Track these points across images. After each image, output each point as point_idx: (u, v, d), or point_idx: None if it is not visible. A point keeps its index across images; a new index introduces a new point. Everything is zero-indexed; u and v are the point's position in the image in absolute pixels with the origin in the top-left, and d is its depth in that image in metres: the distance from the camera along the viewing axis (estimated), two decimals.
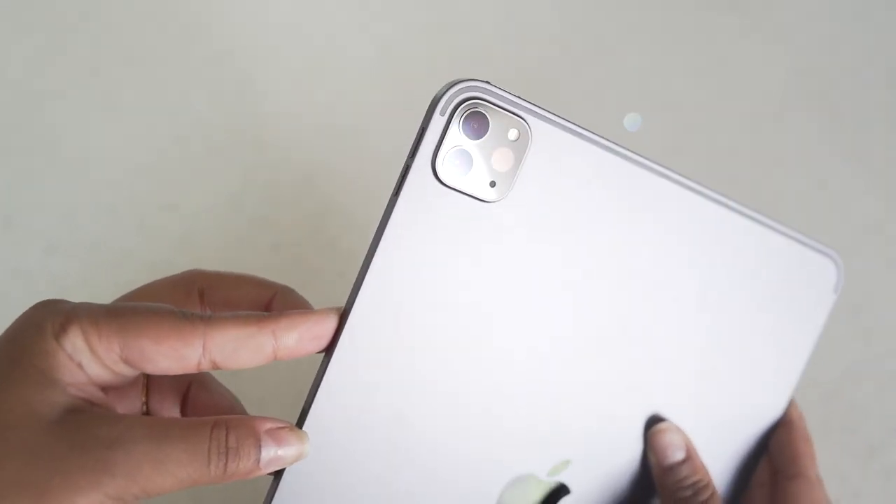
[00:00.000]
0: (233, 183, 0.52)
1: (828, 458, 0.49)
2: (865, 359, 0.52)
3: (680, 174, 0.30)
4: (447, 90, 0.25)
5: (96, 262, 0.49)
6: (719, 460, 0.35)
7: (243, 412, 0.30)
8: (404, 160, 0.26)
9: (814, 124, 0.61)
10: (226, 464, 0.23)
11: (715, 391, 0.34)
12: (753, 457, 0.37)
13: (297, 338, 0.25)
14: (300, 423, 0.26)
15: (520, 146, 0.27)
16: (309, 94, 0.56)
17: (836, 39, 0.65)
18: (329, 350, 0.26)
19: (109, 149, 0.52)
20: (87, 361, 0.24)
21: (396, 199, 0.25)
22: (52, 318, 0.24)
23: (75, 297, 0.47)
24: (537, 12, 0.62)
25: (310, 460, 0.26)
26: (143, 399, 0.29)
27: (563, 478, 0.32)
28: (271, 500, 0.26)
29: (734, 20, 0.64)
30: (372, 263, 0.26)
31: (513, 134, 0.26)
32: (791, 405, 0.37)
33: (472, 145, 0.26)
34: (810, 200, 0.58)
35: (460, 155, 0.26)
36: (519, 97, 0.26)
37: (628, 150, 0.29)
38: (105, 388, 0.25)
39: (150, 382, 0.29)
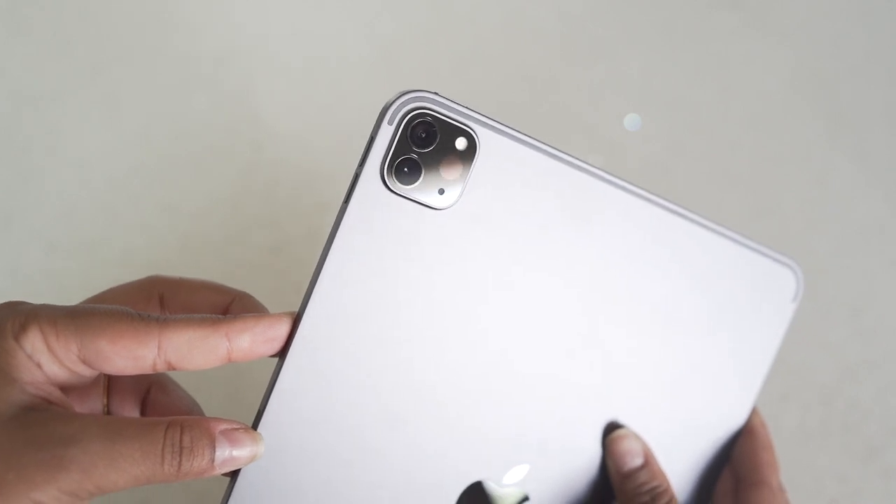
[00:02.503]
0: (233, 183, 0.52)
1: (828, 458, 0.49)
2: (865, 359, 0.52)
3: (630, 183, 0.31)
4: (395, 100, 0.26)
5: (96, 262, 0.49)
6: (681, 468, 0.35)
7: (201, 414, 0.30)
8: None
9: (814, 124, 0.61)
10: (179, 462, 0.24)
11: (675, 399, 0.34)
12: (716, 465, 0.37)
13: (250, 340, 0.26)
14: (255, 424, 0.27)
15: (467, 155, 0.27)
16: (309, 94, 0.56)
17: (836, 39, 0.65)
18: (283, 353, 0.26)
19: (109, 149, 0.52)
20: (46, 361, 0.24)
21: (346, 206, 0.26)
22: (12, 318, 0.24)
23: (75, 297, 0.47)
24: (537, 12, 0.62)
25: (265, 461, 0.26)
26: (104, 400, 0.29)
27: (521, 484, 0.32)
28: (228, 499, 0.27)
29: (734, 20, 0.64)
30: (323, 269, 0.26)
31: (461, 143, 0.27)
32: (754, 413, 0.37)
33: (420, 154, 0.26)
34: (810, 200, 0.58)
35: (408, 164, 0.26)
36: (467, 108, 0.27)
37: (577, 158, 0.29)
38: (65, 388, 0.25)
39: (110, 384, 0.29)
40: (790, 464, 0.49)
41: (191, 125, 0.54)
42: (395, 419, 0.29)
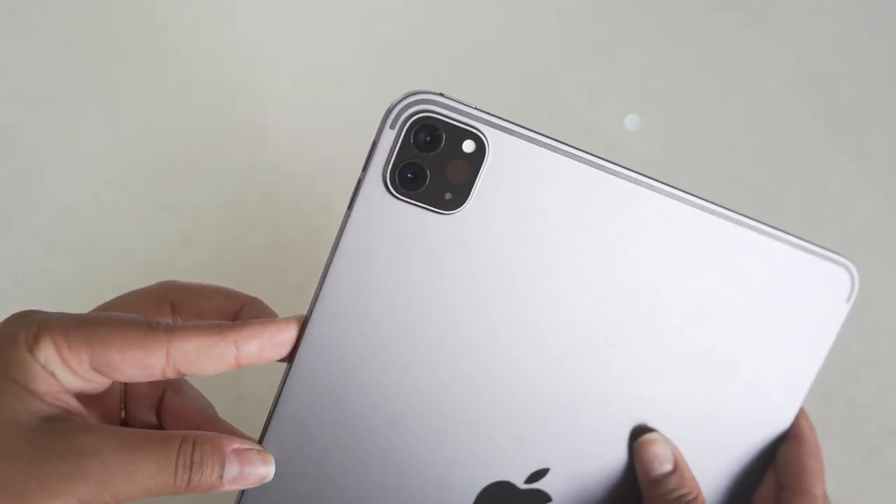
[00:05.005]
0: (233, 183, 0.52)
1: (828, 458, 0.49)
2: (865, 359, 0.52)
3: (657, 180, 0.29)
4: (397, 103, 0.25)
5: (96, 262, 0.49)
6: (719, 473, 0.35)
7: (215, 416, 0.31)
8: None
9: (814, 124, 0.61)
10: (189, 476, 0.25)
11: (713, 400, 0.34)
12: (757, 469, 0.36)
13: (258, 346, 0.26)
14: (265, 428, 0.27)
15: (476, 158, 0.26)
16: (309, 94, 0.56)
17: (836, 39, 0.65)
18: (291, 358, 0.26)
19: (109, 149, 0.52)
20: (60, 371, 0.25)
21: (350, 212, 0.26)
22: (25, 330, 0.25)
23: (75, 297, 0.47)
24: (537, 12, 0.62)
25: (277, 463, 0.27)
26: (121, 405, 0.30)
27: (542, 485, 0.31)
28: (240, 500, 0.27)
29: (734, 20, 0.64)
30: (328, 275, 0.26)
31: (468, 146, 0.26)
32: (802, 417, 0.36)
33: (424, 158, 0.25)
34: (811, 200, 0.58)
35: (412, 169, 0.25)
36: (476, 108, 0.26)
37: (599, 157, 0.28)
38: (81, 396, 0.26)
39: (127, 389, 0.30)
40: None
41: (191, 125, 0.54)
42: (409, 422, 0.28)
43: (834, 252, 0.33)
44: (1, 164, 0.51)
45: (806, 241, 0.33)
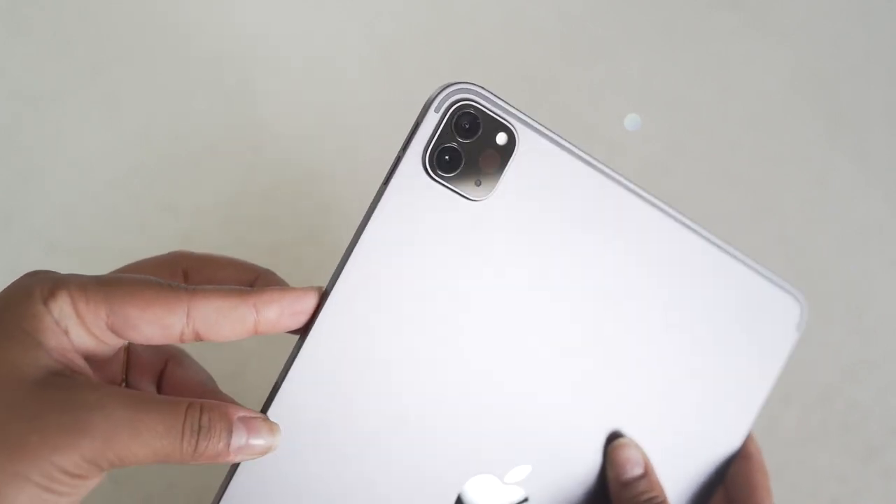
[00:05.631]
0: (233, 183, 0.52)
1: (828, 458, 0.49)
2: (865, 359, 0.52)
3: (656, 197, 0.31)
4: (443, 89, 0.27)
5: (96, 262, 0.49)
6: (676, 484, 0.36)
7: (216, 389, 0.30)
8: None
9: (814, 124, 0.61)
10: (197, 441, 0.24)
11: (674, 416, 0.35)
12: (710, 485, 0.37)
13: (277, 312, 0.26)
14: (270, 397, 0.27)
15: (506, 150, 0.28)
16: (309, 94, 0.56)
17: (836, 39, 0.65)
18: (306, 330, 0.26)
19: (109, 149, 0.52)
20: (73, 327, 0.24)
21: (385, 187, 0.26)
22: (41, 283, 0.24)
23: None
24: (537, 12, 0.62)
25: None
26: (123, 375, 0.29)
27: (522, 484, 0.32)
28: (232, 476, 0.27)
29: (734, 20, 0.64)
30: (356, 248, 0.26)
31: (501, 138, 0.28)
32: (749, 439, 0.37)
33: (461, 144, 0.27)
34: (811, 200, 0.58)
35: (450, 152, 0.27)
36: (510, 104, 0.28)
37: (611, 168, 0.30)
38: (88, 358, 0.25)
39: (129, 359, 0.29)
40: (790, 464, 0.49)
41: (191, 125, 0.54)
42: (405, 410, 0.29)
43: (787, 282, 0.35)
44: (1, 164, 0.51)
45: (763, 267, 0.34)
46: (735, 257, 0.33)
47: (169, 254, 0.30)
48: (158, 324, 0.24)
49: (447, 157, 0.27)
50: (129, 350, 0.30)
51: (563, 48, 0.61)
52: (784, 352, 0.36)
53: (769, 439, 0.47)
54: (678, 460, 0.35)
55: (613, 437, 0.33)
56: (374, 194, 0.27)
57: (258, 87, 0.56)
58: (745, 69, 0.62)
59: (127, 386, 0.29)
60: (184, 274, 0.30)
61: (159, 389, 0.30)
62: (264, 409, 0.27)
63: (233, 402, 0.27)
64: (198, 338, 0.25)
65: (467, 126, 0.27)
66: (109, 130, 0.53)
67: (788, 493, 0.47)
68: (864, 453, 0.49)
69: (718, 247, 0.33)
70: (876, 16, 0.66)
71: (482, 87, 0.27)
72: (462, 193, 0.27)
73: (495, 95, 0.27)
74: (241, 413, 0.25)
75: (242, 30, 0.58)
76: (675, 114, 0.60)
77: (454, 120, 0.27)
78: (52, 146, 0.52)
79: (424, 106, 0.27)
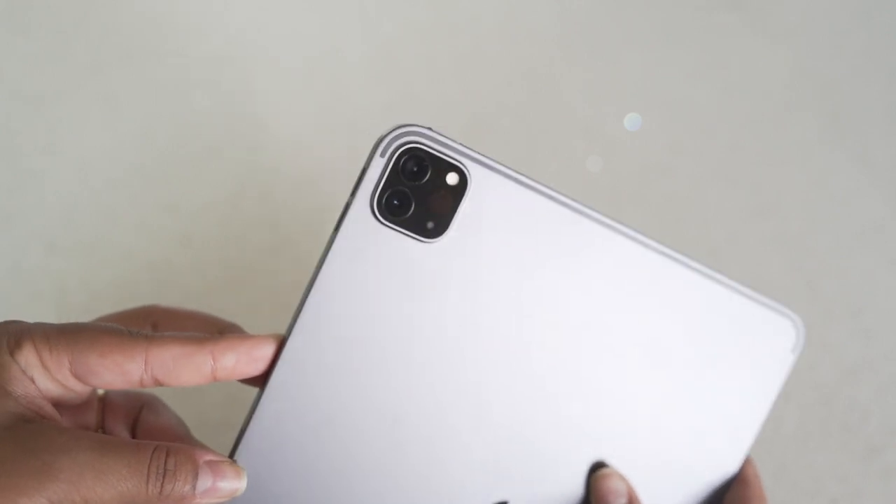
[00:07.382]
0: (233, 183, 0.52)
1: (828, 458, 0.49)
2: (865, 359, 0.52)
3: (627, 226, 0.31)
4: (389, 133, 0.27)
5: (96, 262, 0.49)
6: None
7: (188, 435, 0.31)
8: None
9: (814, 124, 0.61)
10: (162, 484, 0.24)
11: (664, 442, 0.34)
12: None
13: (234, 359, 0.26)
14: (236, 444, 0.27)
15: (458, 190, 0.28)
16: (308, 95, 0.56)
17: (836, 39, 0.65)
18: (266, 377, 0.27)
19: (109, 149, 0.52)
20: (39, 375, 0.25)
21: (336, 234, 0.27)
22: (8, 335, 0.25)
23: (75, 296, 0.47)
24: (537, 12, 0.62)
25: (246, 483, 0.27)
26: (99, 421, 0.30)
27: None
28: None
29: (734, 20, 0.64)
30: (310, 295, 0.27)
31: (452, 178, 0.27)
32: (747, 463, 0.37)
33: (410, 187, 0.27)
34: (811, 200, 0.58)
35: (398, 196, 0.27)
36: (460, 144, 0.27)
37: (573, 199, 0.29)
38: (59, 406, 0.26)
39: (105, 406, 0.30)
40: (790, 464, 0.49)
41: (191, 125, 0.54)
42: (377, 448, 0.29)
43: (780, 304, 0.35)
44: (1, 164, 0.51)
45: (754, 291, 0.34)
46: (720, 282, 0.33)
47: (139, 307, 0.31)
48: (117, 370, 0.25)
49: (396, 201, 0.27)
50: (105, 398, 0.31)
51: (563, 48, 0.61)
52: (780, 374, 0.36)
53: (769, 439, 0.47)
54: (669, 488, 0.35)
55: (597, 468, 0.33)
56: (327, 241, 0.27)
57: (258, 86, 0.56)
58: (745, 69, 0.62)
59: (103, 432, 0.30)
60: (153, 326, 0.31)
61: (133, 435, 0.31)
62: (231, 454, 0.27)
63: (203, 447, 0.28)
64: (158, 383, 0.26)
65: (415, 169, 0.27)
66: (109, 130, 0.53)
67: (788, 493, 0.47)
68: (864, 453, 0.49)
69: (701, 273, 0.33)
70: (876, 16, 0.66)
71: (429, 129, 0.27)
72: (414, 235, 0.27)
73: (444, 135, 0.27)
74: (208, 457, 0.26)
75: (242, 30, 0.58)
76: (675, 114, 0.60)
77: (401, 163, 0.27)
78: (52, 146, 0.52)
79: (371, 150, 0.27)
